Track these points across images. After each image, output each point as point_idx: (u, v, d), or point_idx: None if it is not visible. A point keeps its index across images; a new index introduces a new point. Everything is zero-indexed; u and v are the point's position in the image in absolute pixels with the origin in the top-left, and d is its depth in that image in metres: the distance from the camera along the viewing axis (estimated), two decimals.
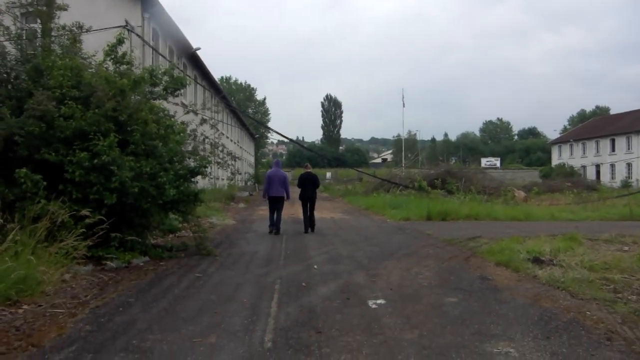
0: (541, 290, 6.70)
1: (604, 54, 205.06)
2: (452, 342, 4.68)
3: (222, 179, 31.37)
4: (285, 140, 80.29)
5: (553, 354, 4.36)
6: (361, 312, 5.70)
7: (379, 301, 6.19)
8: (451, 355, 4.33)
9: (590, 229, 13.56)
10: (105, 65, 9.45)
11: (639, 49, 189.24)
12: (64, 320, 5.26)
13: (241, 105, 70.28)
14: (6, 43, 9.05)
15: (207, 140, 11.45)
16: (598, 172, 61.37)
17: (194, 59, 25.67)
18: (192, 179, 9.88)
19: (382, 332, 4.97)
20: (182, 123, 10.29)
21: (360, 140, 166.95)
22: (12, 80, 8.84)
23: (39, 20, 9.87)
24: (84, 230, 7.07)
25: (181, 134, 9.78)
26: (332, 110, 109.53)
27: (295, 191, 14.08)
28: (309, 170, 14.39)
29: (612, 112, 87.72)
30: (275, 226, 13.34)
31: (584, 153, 65.92)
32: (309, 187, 13.84)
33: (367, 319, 5.42)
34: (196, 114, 12.88)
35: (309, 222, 13.74)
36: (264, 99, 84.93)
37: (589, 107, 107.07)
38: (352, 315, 5.58)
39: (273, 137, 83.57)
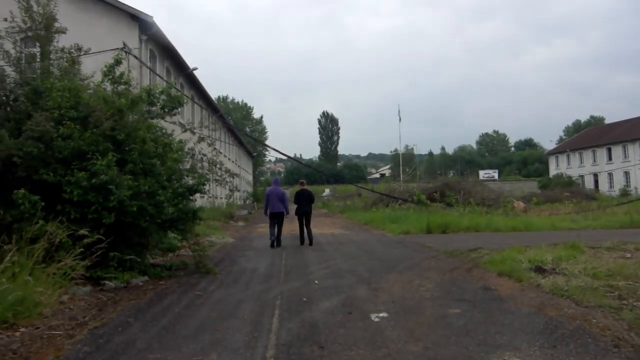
0: (545, 299, 6.64)
1: (595, 64, 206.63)
2: (457, 353, 4.61)
3: (221, 198, 31.37)
4: (283, 157, 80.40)
5: None
6: (364, 326, 5.63)
7: (381, 314, 6.12)
8: None
9: (592, 237, 13.47)
10: (103, 86, 9.48)
11: (629, 58, 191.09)
12: (62, 342, 5.17)
13: (238, 124, 70.45)
14: (5, 66, 9.09)
15: (205, 158, 11.44)
16: (596, 182, 61.56)
17: (191, 79, 25.82)
18: (191, 197, 9.84)
19: (386, 345, 4.90)
20: (180, 141, 10.28)
21: (358, 156, 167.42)
22: (10, 102, 8.86)
23: (37, 44, 9.92)
24: (82, 250, 7.01)
25: (179, 152, 9.76)
26: (329, 126, 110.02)
27: (292, 207, 14.81)
28: (304, 187, 15.15)
29: (606, 121, 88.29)
30: (276, 239, 14.07)
31: (581, 163, 66.16)
32: (305, 203, 14.64)
33: (370, 333, 5.35)
34: (194, 133, 12.93)
35: (308, 235, 14.42)
36: (261, 117, 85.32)
37: (583, 117, 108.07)
38: (354, 329, 5.51)
39: (271, 155, 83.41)
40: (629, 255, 10.03)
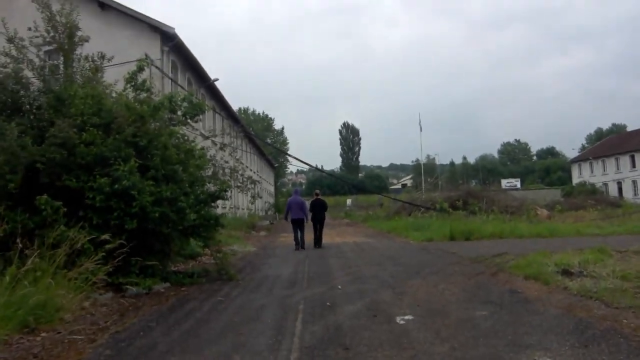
0: (573, 301, 6.47)
1: (615, 72, 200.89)
2: (485, 353, 4.48)
3: (242, 209, 31.45)
4: (305, 168, 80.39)
5: None
6: (389, 328, 5.52)
7: (406, 317, 5.99)
8: None
9: (619, 242, 13.12)
10: (125, 93, 9.56)
11: None
12: (83, 346, 5.15)
13: (259, 136, 70.72)
14: (29, 75, 9.22)
15: (226, 164, 11.46)
16: (620, 189, 60.48)
17: (212, 90, 26.05)
18: (213, 204, 9.84)
19: (412, 346, 4.78)
20: (202, 148, 10.32)
21: (379, 167, 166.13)
22: (34, 110, 8.95)
23: (61, 54, 10.05)
24: (104, 254, 6.98)
25: (201, 159, 9.79)
26: (350, 137, 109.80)
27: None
28: (318, 197, 17.09)
29: (628, 129, 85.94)
30: (300, 243, 15.91)
31: (604, 170, 65.13)
32: (319, 211, 16.60)
33: (396, 335, 5.23)
34: (215, 143, 12.99)
35: (318, 239, 16.46)
36: (282, 128, 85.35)
37: (605, 125, 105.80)
38: (379, 331, 5.40)
39: (292, 166, 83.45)
40: None
